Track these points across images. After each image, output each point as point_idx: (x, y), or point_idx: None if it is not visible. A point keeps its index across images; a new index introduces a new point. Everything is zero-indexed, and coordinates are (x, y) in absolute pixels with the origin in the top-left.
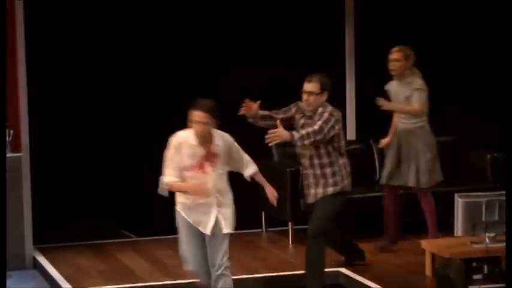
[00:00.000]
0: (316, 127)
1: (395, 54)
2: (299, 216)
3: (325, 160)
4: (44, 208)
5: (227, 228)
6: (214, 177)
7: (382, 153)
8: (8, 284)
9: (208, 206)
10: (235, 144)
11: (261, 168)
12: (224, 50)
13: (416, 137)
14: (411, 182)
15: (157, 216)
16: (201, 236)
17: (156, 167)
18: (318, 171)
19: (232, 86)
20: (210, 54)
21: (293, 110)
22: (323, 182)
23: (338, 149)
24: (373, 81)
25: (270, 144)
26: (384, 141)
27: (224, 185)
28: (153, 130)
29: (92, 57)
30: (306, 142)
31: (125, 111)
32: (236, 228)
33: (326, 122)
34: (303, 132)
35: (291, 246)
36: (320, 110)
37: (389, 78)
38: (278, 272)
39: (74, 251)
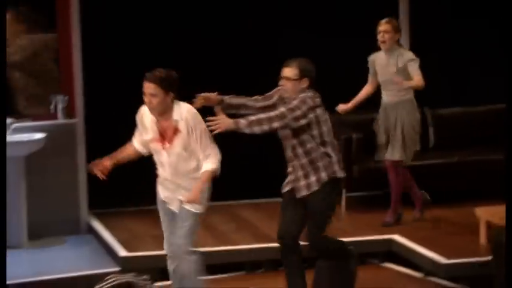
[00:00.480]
0: (273, 113)
1: (384, 26)
2: (352, 183)
3: (310, 145)
4: None
5: (191, 207)
6: (172, 156)
7: (437, 120)
8: (62, 249)
9: (174, 184)
10: (199, 125)
11: None
12: (279, 15)
13: (405, 109)
14: (397, 156)
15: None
16: (172, 215)
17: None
18: (305, 160)
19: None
20: (264, 21)
21: (275, 97)
22: (313, 168)
23: (317, 137)
24: (428, 50)
25: (214, 133)
26: (342, 107)
27: (190, 167)
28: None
29: (149, 21)
30: (256, 130)
31: (180, 77)
32: None
33: (292, 109)
34: (253, 118)
35: (344, 213)
36: (298, 95)
37: (450, 48)
38: None
39: (129, 216)
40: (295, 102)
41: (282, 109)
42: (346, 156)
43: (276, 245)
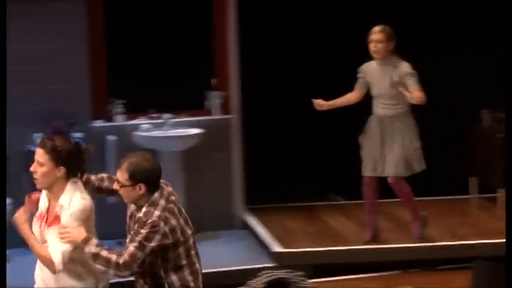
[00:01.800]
0: (123, 258)
1: (378, 35)
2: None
3: (160, 270)
4: (254, 169)
5: None
6: (51, 242)
7: None
8: (218, 243)
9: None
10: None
11: (470, 134)
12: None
13: (402, 123)
14: (393, 171)
15: None
16: None
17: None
18: (150, 282)
19: None
20: None
21: None
22: None
23: (170, 261)
24: None
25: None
26: (320, 102)
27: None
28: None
29: (303, 19)
30: (102, 268)
31: (333, 73)
32: (443, 193)
33: (142, 246)
34: (104, 254)
35: (500, 213)
36: (144, 210)
37: None
38: (487, 239)
39: (283, 212)
40: (144, 233)
41: (131, 248)
42: (502, 154)
43: (431, 244)
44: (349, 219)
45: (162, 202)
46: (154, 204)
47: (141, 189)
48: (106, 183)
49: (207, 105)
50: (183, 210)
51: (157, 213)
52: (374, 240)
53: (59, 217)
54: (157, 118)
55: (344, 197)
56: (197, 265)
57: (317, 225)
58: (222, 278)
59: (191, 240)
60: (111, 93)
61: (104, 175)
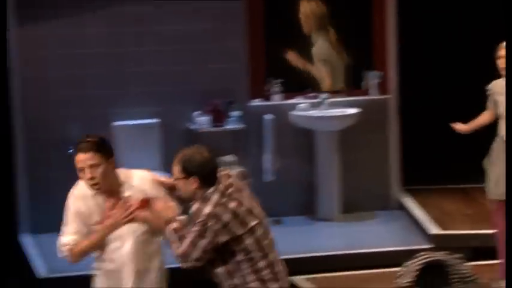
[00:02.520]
0: (180, 250)
1: (505, 50)
2: None
3: (232, 265)
4: (411, 150)
5: None
6: (138, 238)
7: None
8: (373, 223)
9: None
10: (156, 191)
11: None
12: None
13: None
14: None
15: None
16: None
17: None
18: (226, 284)
19: None
20: None
21: None
22: None
23: (240, 253)
24: None
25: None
26: (460, 126)
27: (153, 247)
28: None
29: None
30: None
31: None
32: None
33: (193, 244)
34: (173, 240)
35: None
36: (195, 207)
37: None
38: None
39: (441, 194)
40: (194, 231)
41: (184, 245)
42: None
43: None
44: None
45: (215, 197)
46: (206, 200)
47: (194, 182)
48: None
49: (364, 85)
50: (248, 201)
51: (206, 210)
52: None
53: (145, 200)
54: (315, 98)
55: None
56: (273, 255)
57: (476, 208)
58: (378, 258)
59: (259, 231)
60: (269, 72)
61: None
